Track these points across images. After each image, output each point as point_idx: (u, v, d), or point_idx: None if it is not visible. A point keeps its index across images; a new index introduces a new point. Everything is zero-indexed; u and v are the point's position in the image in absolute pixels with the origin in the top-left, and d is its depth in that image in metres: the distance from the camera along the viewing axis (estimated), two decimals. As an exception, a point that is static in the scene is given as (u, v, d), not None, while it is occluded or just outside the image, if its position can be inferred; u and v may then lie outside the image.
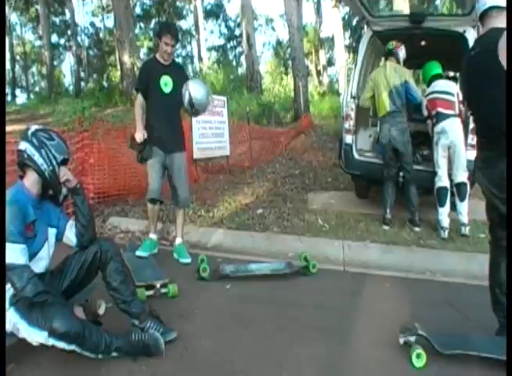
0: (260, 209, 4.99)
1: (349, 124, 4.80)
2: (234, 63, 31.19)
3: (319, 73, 30.22)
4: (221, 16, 34.22)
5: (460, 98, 4.18)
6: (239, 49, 32.07)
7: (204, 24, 31.81)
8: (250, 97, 15.34)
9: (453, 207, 4.27)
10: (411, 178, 4.37)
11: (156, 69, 3.61)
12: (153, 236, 3.77)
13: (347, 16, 28.43)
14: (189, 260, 3.64)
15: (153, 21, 30.99)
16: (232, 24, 34.21)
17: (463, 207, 4.19)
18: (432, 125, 4.40)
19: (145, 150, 3.53)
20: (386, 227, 4.41)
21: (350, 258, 3.83)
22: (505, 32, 1.95)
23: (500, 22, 2.09)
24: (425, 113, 4.51)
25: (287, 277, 3.29)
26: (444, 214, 4.20)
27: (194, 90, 3.33)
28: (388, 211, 4.44)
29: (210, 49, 33.29)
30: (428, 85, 4.63)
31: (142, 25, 31.81)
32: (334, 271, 3.57)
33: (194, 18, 28.00)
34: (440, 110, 4.28)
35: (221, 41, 35.10)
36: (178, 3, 30.47)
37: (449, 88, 4.36)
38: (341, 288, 3.21)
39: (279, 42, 34.30)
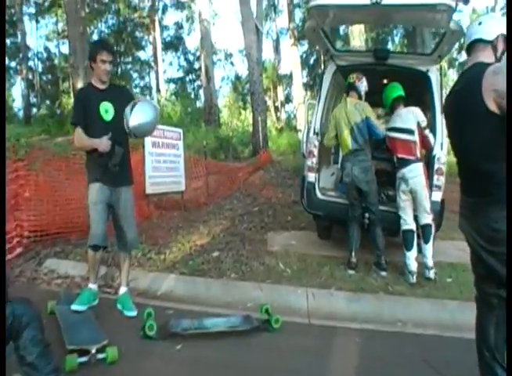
0: (216, 252, 4.59)
1: (312, 161, 4.58)
2: (192, 96, 31.16)
3: (276, 109, 30.79)
4: (181, 49, 34.42)
5: (424, 127, 4.12)
6: (197, 83, 32.16)
7: (163, 56, 31.91)
8: (207, 130, 15.15)
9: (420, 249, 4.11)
10: (376, 219, 4.16)
11: (94, 96, 3.18)
12: (92, 286, 3.25)
13: (305, 55, 29.55)
14: (134, 313, 3.16)
15: (110, 50, 30.43)
16: (191, 57, 34.49)
17: (428, 249, 4.03)
18: (394, 167, 4.31)
19: (114, 155, 3.09)
20: (351, 272, 4.15)
21: (315, 308, 3.49)
22: (490, 69, 1.78)
23: (486, 56, 1.94)
24: (389, 146, 4.41)
25: (247, 334, 2.89)
26: (411, 258, 4.01)
27: (133, 115, 2.92)
28: (353, 254, 4.20)
29: (168, 81, 33.13)
30: (391, 109, 4.46)
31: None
32: (299, 325, 3.20)
33: (153, 49, 27.94)
34: (400, 156, 4.17)
35: (180, 74, 35.20)
36: (137, 33, 30.34)
37: (409, 123, 4.15)
38: (307, 346, 2.85)
39: (237, 77, 34.90)
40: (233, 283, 3.83)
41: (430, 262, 4.03)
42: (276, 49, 29.83)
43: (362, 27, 12.73)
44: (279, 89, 30.40)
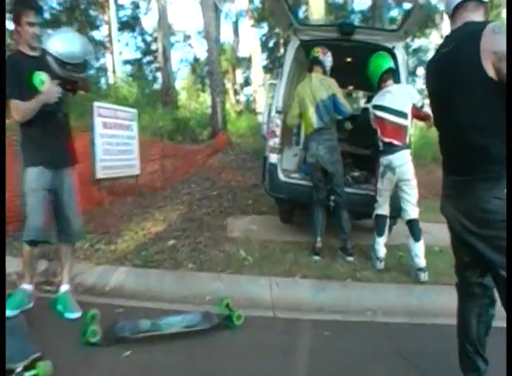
0: (172, 240, 4.23)
1: (274, 141, 4.27)
2: (150, 78, 29.91)
3: (235, 92, 30.20)
4: (138, 29, 32.74)
5: (421, 107, 3.69)
6: (155, 64, 30.82)
7: (119, 36, 30.28)
8: (164, 112, 14.54)
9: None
10: (342, 202, 3.95)
11: (25, 64, 2.69)
12: (27, 286, 2.82)
13: (264, 38, 28.98)
14: (77, 314, 2.77)
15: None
16: (148, 38, 32.87)
17: (419, 248, 3.61)
18: (378, 152, 3.82)
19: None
20: (316, 257, 3.93)
21: (279, 299, 3.22)
22: (489, 27, 1.53)
23: (477, 17, 1.69)
24: (374, 125, 3.88)
25: (206, 333, 2.59)
26: (381, 243, 3.81)
27: (57, 44, 2.53)
28: (318, 239, 3.97)
29: (125, 63, 31.61)
30: (378, 86, 3.89)
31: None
32: (263, 319, 2.92)
33: (108, 29, 26.41)
34: (387, 140, 3.68)
35: (138, 55, 33.47)
36: (91, 12, 28.48)
37: (403, 106, 3.67)
38: (273, 344, 2.58)
39: (196, 59, 33.76)
40: (190, 275, 3.48)
41: (422, 263, 3.59)
42: (235, 31, 29.05)
43: (321, 7, 12.37)
44: (238, 72, 29.76)
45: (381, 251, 3.79)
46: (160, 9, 15.90)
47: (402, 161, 3.63)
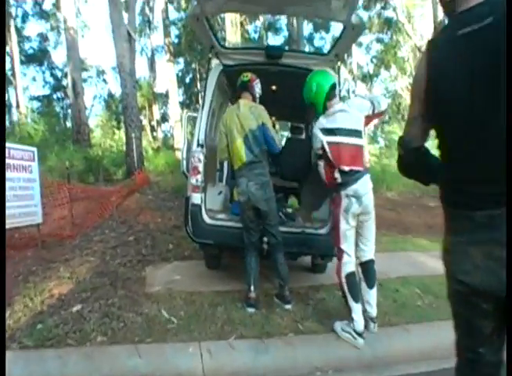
0: (78, 305, 3.44)
1: (196, 179, 3.72)
2: (62, 115, 28.01)
3: (153, 128, 29.40)
4: (46, 63, 30.79)
5: (377, 110, 3.10)
6: (67, 101, 29.05)
7: (24, 69, 28.25)
8: (75, 151, 13.39)
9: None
10: (278, 243, 3.49)
11: None
12: None
13: (181, 73, 28.82)
14: None
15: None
16: (59, 73, 31.02)
17: (372, 295, 3.11)
18: (336, 184, 3.06)
19: None
20: (251, 310, 3.42)
21: (213, 369, 2.64)
22: None
23: None
24: (319, 154, 3.18)
25: None
26: (359, 312, 3.00)
27: None
28: (252, 288, 3.47)
29: (32, 99, 29.44)
30: (323, 107, 3.19)
31: None
32: (194, 403, 2.33)
33: (11, 62, 24.48)
34: (347, 168, 2.99)
35: (47, 91, 31.40)
36: (-9, 42, 26.22)
37: (358, 123, 3.09)
38: None
39: (111, 95, 32.56)
40: (100, 351, 2.74)
41: (374, 312, 3.12)
42: (151, 67, 28.47)
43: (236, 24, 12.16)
44: (155, 108, 29.05)
45: (360, 323, 2.98)
46: (69, 39, 14.88)
47: (367, 189, 3.03)
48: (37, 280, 4.26)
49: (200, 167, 3.71)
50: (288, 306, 3.50)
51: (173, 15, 25.31)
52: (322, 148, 3.10)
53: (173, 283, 4.08)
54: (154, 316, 3.24)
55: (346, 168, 2.99)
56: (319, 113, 3.20)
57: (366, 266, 3.10)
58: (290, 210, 3.99)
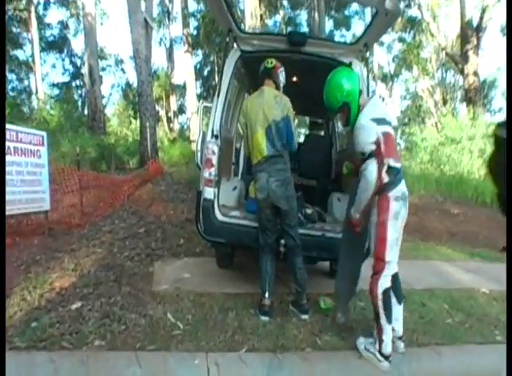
0: (78, 302, 3.18)
1: (209, 172, 3.42)
2: (80, 103, 28.00)
3: (169, 119, 29.20)
4: (66, 51, 30.81)
5: None
6: (85, 89, 29.09)
7: (45, 56, 28.30)
8: (89, 138, 13.24)
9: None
10: (297, 247, 3.17)
11: None
12: None
13: (199, 65, 28.54)
14: None
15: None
16: (78, 61, 31.07)
17: (400, 311, 2.81)
18: (383, 185, 2.59)
19: None
20: (265, 318, 3.12)
21: (220, 387, 2.36)
22: None
23: None
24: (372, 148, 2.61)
25: None
26: (390, 333, 2.64)
27: None
28: (267, 295, 3.17)
29: (52, 86, 29.53)
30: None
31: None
32: None
33: (31, 48, 24.51)
34: (396, 164, 2.60)
35: (66, 78, 31.49)
36: (13, 28, 26.22)
37: (389, 115, 2.75)
38: None
39: (128, 84, 32.50)
40: (97, 357, 2.47)
41: (401, 330, 2.83)
42: (170, 57, 28.21)
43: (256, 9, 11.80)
44: (173, 99, 28.81)
45: (389, 346, 2.63)
46: (87, 25, 14.73)
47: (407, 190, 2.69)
48: (40, 270, 4.05)
49: (214, 159, 3.40)
50: (305, 316, 3.20)
51: (192, 6, 25.05)
52: (377, 141, 2.58)
53: (181, 281, 3.81)
54: (159, 319, 2.97)
55: (397, 165, 2.59)
56: (354, 112, 2.74)
57: (393, 279, 2.69)
58: (309, 210, 3.65)
